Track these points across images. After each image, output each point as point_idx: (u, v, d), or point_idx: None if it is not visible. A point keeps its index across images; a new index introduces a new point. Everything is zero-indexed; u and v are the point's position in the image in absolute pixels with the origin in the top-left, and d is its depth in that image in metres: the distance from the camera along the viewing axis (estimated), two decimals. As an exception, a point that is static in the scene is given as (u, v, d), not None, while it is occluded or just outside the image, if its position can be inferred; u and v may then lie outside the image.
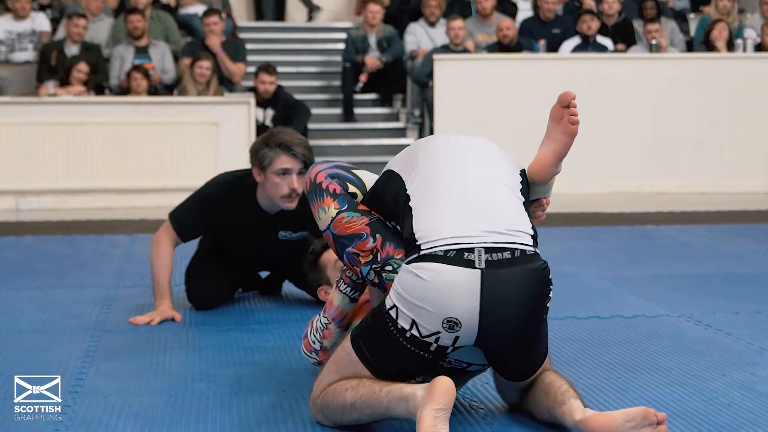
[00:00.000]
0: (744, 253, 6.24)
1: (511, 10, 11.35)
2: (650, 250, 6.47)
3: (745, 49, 10.43)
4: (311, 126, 9.81)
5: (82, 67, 9.28)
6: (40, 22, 10.15)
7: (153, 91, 9.54)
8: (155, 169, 9.02)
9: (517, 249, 2.74)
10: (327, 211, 3.05)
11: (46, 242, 6.94)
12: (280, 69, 9.97)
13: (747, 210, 8.48)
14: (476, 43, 10.46)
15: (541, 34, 10.59)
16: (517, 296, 2.72)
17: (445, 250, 2.71)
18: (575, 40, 10.47)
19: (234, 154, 8.83)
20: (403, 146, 3.49)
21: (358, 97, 10.66)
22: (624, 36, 10.77)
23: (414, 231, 2.80)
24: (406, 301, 2.75)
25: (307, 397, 3.14)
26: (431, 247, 2.73)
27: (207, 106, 9.25)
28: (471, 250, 2.70)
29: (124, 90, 9.54)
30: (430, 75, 9.86)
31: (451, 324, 2.71)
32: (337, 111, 10.67)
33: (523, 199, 2.90)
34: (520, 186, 2.93)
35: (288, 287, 4.98)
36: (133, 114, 9.17)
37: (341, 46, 11.18)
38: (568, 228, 7.30)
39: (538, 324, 2.84)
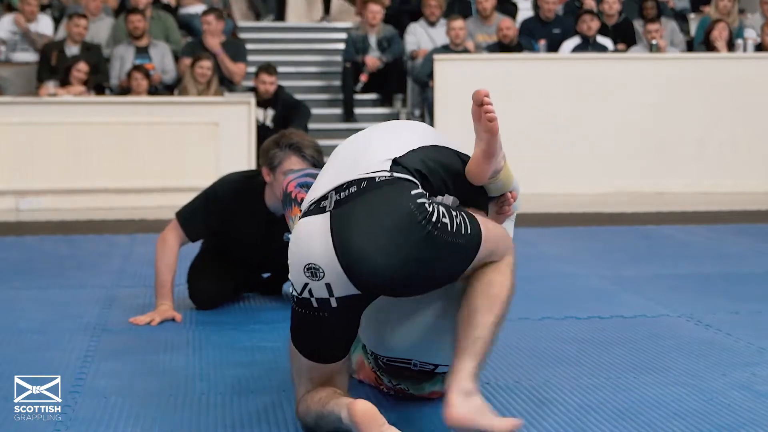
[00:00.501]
0: (745, 253, 6.24)
1: (511, 10, 11.35)
2: (651, 250, 6.47)
3: (745, 49, 10.43)
4: (311, 126, 9.81)
5: (82, 67, 9.27)
6: (44, 24, 10.16)
7: (153, 91, 9.54)
8: (155, 169, 9.02)
9: (364, 179, 2.70)
10: (294, 220, 3.08)
11: (47, 242, 6.94)
12: (280, 69, 9.97)
13: (748, 210, 8.48)
14: (476, 43, 10.46)
15: (541, 34, 10.59)
16: (370, 224, 2.65)
17: (308, 207, 2.77)
18: (575, 40, 10.46)
19: (234, 154, 8.84)
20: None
21: (359, 97, 10.66)
22: (624, 36, 10.77)
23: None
24: (291, 262, 2.77)
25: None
26: (303, 210, 2.80)
27: (207, 106, 9.25)
28: (325, 197, 2.73)
29: (125, 90, 9.54)
30: (431, 75, 9.86)
31: (312, 270, 2.69)
32: (338, 111, 10.68)
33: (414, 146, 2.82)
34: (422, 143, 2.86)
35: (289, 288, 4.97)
36: (134, 114, 9.17)
37: (341, 46, 11.18)
38: (569, 228, 7.30)
39: (422, 246, 2.66)
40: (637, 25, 10.95)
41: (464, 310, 2.79)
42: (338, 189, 2.71)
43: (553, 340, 3.99)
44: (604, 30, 10.59)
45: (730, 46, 10.47)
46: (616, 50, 10.53)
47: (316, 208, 2.73)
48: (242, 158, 8.93)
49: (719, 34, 10.36)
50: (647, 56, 10.33)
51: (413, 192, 2.68)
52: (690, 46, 11.09)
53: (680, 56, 10.62)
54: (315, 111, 10.06)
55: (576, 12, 11.09)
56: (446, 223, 2.69)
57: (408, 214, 2.64)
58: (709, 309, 4.52)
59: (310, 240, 2.69)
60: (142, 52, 9.83)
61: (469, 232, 2.74)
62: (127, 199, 8.95)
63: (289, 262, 2.77)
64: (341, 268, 2.66)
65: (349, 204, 2.67)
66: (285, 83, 10.00)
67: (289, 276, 2.78)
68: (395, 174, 2.70)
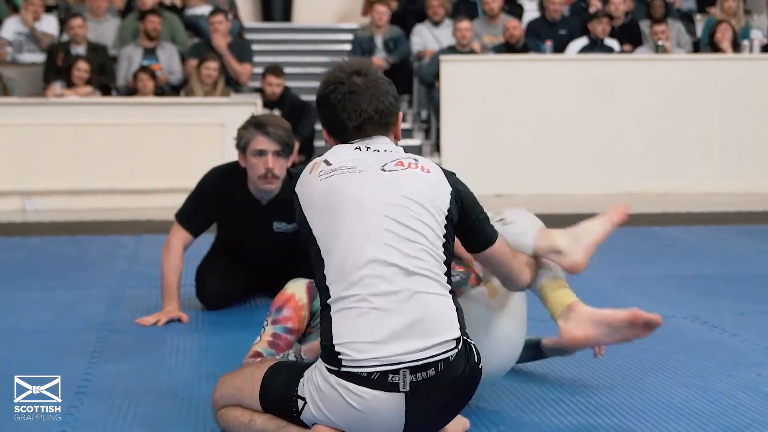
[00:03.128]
0: (749, 254, 6.23)
1: (517, 11, 11.35)
2: (656, 250, 6.46)
3: (751, 50, 10.42)
4: (318, 127, 9.82)
5: (82, 66, 9.26)
6: (48, 24, 10.18)
7: (160, 92, 9.55)
8: (162, 169, 9.03)
9: (440, 361, 2.64)
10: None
11: (52, 243, 6.95)
12: (287, 70, 9.97)
13: (753, 211, 8.46)
14: (483, 44, 10.46)
15: (547, 35, 10.59)
16: (442, 409, 2.72)
17: (369, 372, 2.61)
18: (582, 41, 10.46)
19: (240, 155, 8.84)
20: (411, 148, 3.50)
21: (365, 98, 10.63)
22: (630, 37, 10.76)
23: (333, 337, 2.67)
24: (322, 413, 2.68)
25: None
26: (354, 366, 2.62)
27: (213, 107, 9.25)
28: (396, 372, 2.61)
29: (131, 91, 9.55)
30: (437, 76, 9.86)
31: None
32: (344, 112, 10.65)
33: (444, 265, 2.76)
34: (443, 248, 2.76)
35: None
36: (140, 115, 9.18)
37: (348, 47, 11.19)
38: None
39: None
40: (644, 26, 10.94)
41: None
42: (414, 369, 2.61)
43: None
44: (610, 31, 10.58)
45: (735, 47, 10.46)
46: (622, 51, 10.52)
47: (383, 383, 2.61)
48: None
49: (723, 35, 10.36)
50: (653, 57, 10.32)
51: (476, 375, 2.74)
52: (696, 47, 11.08)
53: (686, 57, 10.62)
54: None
55: (581, 13, 11.08)
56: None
57: (469, 396, 2.79)
58: (714, 310, 4.52)
59: (380, 417, 2.64)
60: (150, 53, 9.84)
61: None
62: (132, 199, 8.96)
63: (338, 420, 2.67)
64: None
65: (426, 391, 2.64)
66: (291, 84, 10.01)
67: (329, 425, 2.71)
68: (458, 346, 2.68)
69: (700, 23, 11.74)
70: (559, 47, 10.50)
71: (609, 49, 10.40)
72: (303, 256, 2.93)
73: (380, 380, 2.61)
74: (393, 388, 2.61)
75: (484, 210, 2.90)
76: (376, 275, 2.66)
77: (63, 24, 10.33)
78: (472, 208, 2.84)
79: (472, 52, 10.12)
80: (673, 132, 9.83)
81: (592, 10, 11.06)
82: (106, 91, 9.67)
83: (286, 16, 13.09)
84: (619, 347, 3.88)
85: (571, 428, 2.97)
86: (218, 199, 4.50)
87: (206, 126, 9.12)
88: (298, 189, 2.86)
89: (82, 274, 5.65)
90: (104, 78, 9.70)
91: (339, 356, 2.63)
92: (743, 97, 9.94)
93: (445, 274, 2.75)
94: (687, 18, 11.71)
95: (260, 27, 12.59)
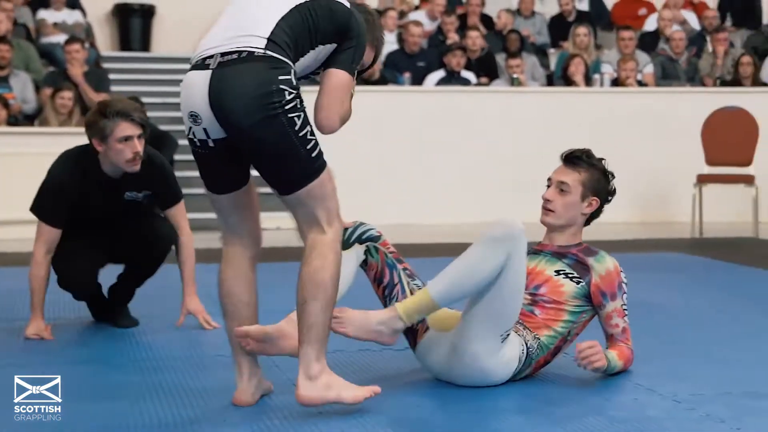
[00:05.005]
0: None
1: (376, 43, 11.46)
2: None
3: (602, 84, 10.78)
4: (178, 157, 9.74)
5: None
6: None
7: (13, 121, 9.35)
8: (15, 200, 8.78)
9: (245, 51, 3.16)
10: None
11: None
12: (145, 99, 9.85)
13: (605, 240, 8.70)
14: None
15: (406, 67, 10.74)
16: (237, 87, 3.12)
17: (196, 60, 3.25)
18: (440, 73, 10.65)
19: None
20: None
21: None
22: (487, 70, 11.00)
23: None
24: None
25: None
26: (192, 60, 3.27)
27: (69, 137, 9.01)
28: (211, 57, 3.20)
29: (-17, 120, 9.33)
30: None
31: (193, 117, 3.21)
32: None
33: (282, 13, 3.23)
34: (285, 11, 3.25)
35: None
36: (-8, 144, 8.97)
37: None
38: (433, 258, 7.37)
39: (269, 120, 3.14)
40: (500, 59, 11.20)
41: (298, 300, 3.23)
42: (224, 53, 3.17)
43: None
44: (467, 64, 10.80)
45: (587, 81, 10.80)
46: (479, 84, 10.74)
47: (202, 64, 3.20)
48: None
49: (575, 69, 10.69)
50: (509, 89, 10.58)
51: (281, 77, 3.16)
52: (550, 81, 11.39)
53: (540, 90, 10.91)
54: (182, 142, 9.98)
55: (439, 46, 11.28)
56: (296, 123, 3.19)
57: (269, 93, 3.14)
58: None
59: (193, 91, 3.19)
60: (2, 81, 9.63)
61: (314, 156, 3.25)
62: (-15, 231, 8.73)
63: (181, 107, 3.26)
64: (214, 117, 3.17)
65: (229, 68, 3.15)
66: (151, 114, 9.89)
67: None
68: (269, 52, 3.16)
69: (553, 57, 12.07)
70: (418, 79, 10.66)
71: (466, 82, 10.62)
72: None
73: (200, 64, 3.23)
74: (206, 67, 3.20)
75: None
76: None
77: None
78: None
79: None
80: (528, 163, 10.05)
81: (450, 42, 11.27)
82: (-44, 120, 9.42)
83: (145, 45, 12.96)
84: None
85: None
86: (75, 186, 4.57)
87: (62, 156, 8.95)
88: None
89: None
90: (-46, 107, 9.45)
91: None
92: (594, 128, 10.26)
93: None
94: (541, 52, 12.04)
95: (118, 56, 12.43)
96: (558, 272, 3.81)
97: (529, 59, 11.28)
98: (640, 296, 5.63)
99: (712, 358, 4.20)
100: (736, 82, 11.00)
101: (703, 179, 9.54)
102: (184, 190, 4.93)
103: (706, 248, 8.23)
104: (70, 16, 11.56)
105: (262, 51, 3.15)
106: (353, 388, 3.26)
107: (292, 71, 3.21)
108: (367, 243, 3.83)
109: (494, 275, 3.45)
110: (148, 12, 13.08)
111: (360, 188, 9.80)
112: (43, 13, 11.39)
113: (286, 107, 3.16)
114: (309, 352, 3.19)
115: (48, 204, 4.59)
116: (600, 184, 3.95)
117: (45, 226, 4.57)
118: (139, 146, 4.50)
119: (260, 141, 3.16)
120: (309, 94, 3.31)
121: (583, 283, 3.79)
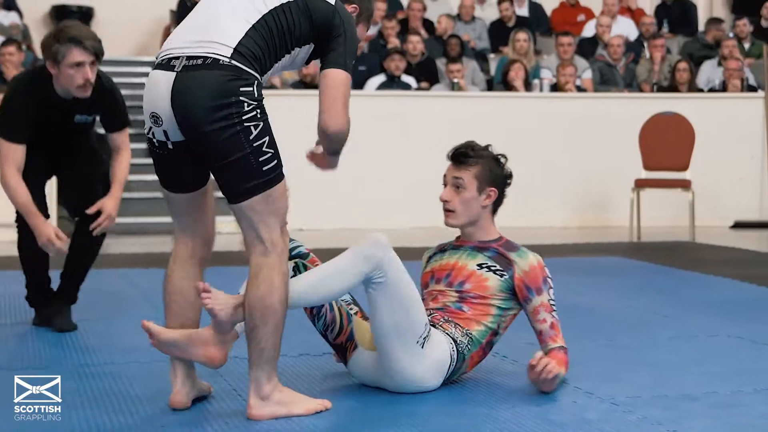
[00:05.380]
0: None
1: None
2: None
3: (542, 89, 10.86)
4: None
5: None
6: None
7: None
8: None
9: (210, 58, 3.16)
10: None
11: None
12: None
13: (543, 244, 8.77)
14: (282, 79, 10.53)
15: (346, 71, 10.72)
16: (198, 93, 3.13)
17: (161, 60, 3.26)
18: (380, 78, 10.67)
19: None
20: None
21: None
22: (428, 74, 11.03)
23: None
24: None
25: None
26: (158, 57, 3.29)
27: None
28: (177, 58, 3.21)
29: None
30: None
31: (155, 118, 3.23)
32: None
33: (251, 23, 3.23)
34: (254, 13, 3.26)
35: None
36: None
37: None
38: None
39: (224, 129, 3.14)
40: (440, 64, 11.24)
41: (247, 324, 3.24)
42: (190, 57, 3.18)
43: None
44: (407, 68, 10.83)
45: (527, 86, 10.87)
46: (419, 88, 10.78)
47: (168, 64, 3.22)
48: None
49: (515, 74, 10.77)
50: (449, 94, 10.62)
51: (242, 88, 3.16)
52: (490, 85, 11.45)
53: (480, 95, 10.97)
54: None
55: (380, 50, 11.30)
56: (252, 132, 3.18)
57: (228, 104, 3.14)
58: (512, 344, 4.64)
59: (157, 92, 3.21)
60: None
61: (266, 169, 3.22)
62: None
63: (144, 105, 3.27)
64: (175, 121, 3.18)
65: (192, 73, 3.16)
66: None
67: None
68: (233, 62, 3.16)
69: (493, 62, 12.14)
70: (358, 83, 10.67)
71: (406, 86, 10.64)
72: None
73: (165, 64, 3.23)
74: (171, 68, 3.21)
75: None
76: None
77: None
78: None
79: (272, 87, 10.16)
80: (468, 167, 10.10)
81: (390, 47, 11.29)
82: None
83: (84, 47, 12.81)
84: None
85: None
86: (33, 102, 4.60)
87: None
88: None
89: None
90: None
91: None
92: (535, 133, 10.34)
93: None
94: (481, 57, 12.10)
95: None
96: (480, 266, 3.84)
97: (470, 64, 11.33)
98: (579, 300, 5.70)
99: (649, 360, 4.25)
100: (672, 87, 11.15)
101: (640, 184, 9.65)
102: (126, 195, 4.96)
103: (644, 252, 8.33)
104: (6, 18, 11.43)
105: (228, 60, 3.16)
106: (305, 402, 3.33)
107: (256, 83, 3.20)
108: (296, 260, 3.70)
109: (351, 286, 3.48)
110: (86, 14, 12.95)
111: (300, 192, 9.75)
112: (-21, 15, 11.25)
113: (243, 118, 3.16)
114: (260, 376, 3.24)
115: (8, 122, 4.60)
116: (494, 173, 3.96)
117: (10, 145, 4.56)
118: (90, 73, 4.53)
119: (214, 147, 3.16)
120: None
121: (507, 277, 3.81)
